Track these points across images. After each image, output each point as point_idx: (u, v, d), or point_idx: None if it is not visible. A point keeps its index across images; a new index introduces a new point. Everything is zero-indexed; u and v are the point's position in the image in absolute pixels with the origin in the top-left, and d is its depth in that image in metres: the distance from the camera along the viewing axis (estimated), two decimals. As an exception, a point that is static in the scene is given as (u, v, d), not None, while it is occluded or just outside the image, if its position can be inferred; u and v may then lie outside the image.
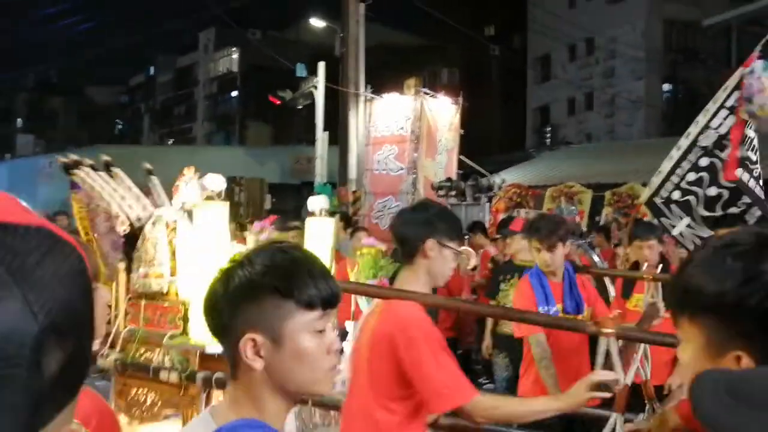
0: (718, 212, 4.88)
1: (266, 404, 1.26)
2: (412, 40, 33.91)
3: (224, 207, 3.14)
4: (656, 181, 5.21)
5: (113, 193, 3.52)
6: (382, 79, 15.56)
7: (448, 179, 11.24)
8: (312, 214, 3.72)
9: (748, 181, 4.78)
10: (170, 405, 3.20)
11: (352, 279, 3.65)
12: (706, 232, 4.89)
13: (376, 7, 14.24)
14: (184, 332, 3.18)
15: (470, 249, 6.28)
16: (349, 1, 13.77)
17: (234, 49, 43.08)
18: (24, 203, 0.57)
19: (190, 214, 3.21)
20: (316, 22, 19.66)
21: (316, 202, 3.78)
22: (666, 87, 27.91)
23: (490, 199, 10.86)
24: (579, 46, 29.13)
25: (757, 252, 1.08)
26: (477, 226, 8.42)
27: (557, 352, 3.84)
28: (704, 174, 4.96)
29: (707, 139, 4.98)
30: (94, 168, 3.54)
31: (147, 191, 3.64)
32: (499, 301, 5.67)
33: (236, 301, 1.24)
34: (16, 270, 0.51)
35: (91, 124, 50.23)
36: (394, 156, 11.40)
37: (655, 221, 5.20)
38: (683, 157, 5.08)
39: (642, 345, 2.37)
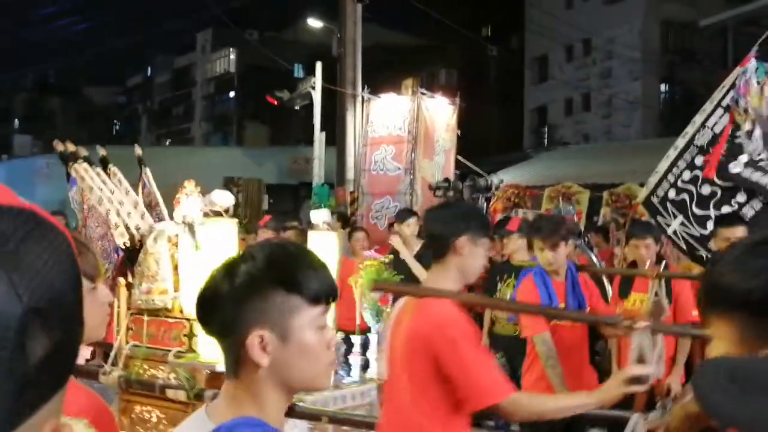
0: (711, 211, 4.89)
1: (267, 402, 1.25)
2: (409, 40, 33.89)
3: (232, 224, 3.12)
4: (653, 180, 5.23)
5: (111, 197, 3.49)
6: (379, 80, 15.56)
7: (446, 179, 11.23)
8: (315, 227, 3.67)
9: (751, 176, 4.78)
10: (176, 423, 3.16)
11: (356, 293, 3.63)
12: (699, 231, 4.91)
13: (373, 7, 14.25)
14: (190, 349, 3.15)
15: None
16: (346, 1, 13.77)
17: (231, 49, 43.04)
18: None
19: (191, 227, 3.19)
20: (314, 23, 19.66)
21: (319, 216, 3.73)
22: (663, 88, 27.94)
23: (487, 200, 10.85)
24: (576, 47, 29.14)
25: None
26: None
27: (560, 351, 3.89)
28: (699, 172, 4.98)
29: (703, 138, 5.00)
30: (89, 162, 3.51)
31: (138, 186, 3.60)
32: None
33: (242, 297, 1.23)
34: (0, 251, 0.50)
35: (88, 124, 50.11)
36: (391, 156, 11.39)
37: (653, 221, 5.21)
38: (679, 156, 5.11)
39: (660, 343, 2.37)
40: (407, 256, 6.04)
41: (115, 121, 56.90)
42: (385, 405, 2.52)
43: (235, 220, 3.23)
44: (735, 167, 4.80)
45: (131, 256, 3.38)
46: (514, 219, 6.53)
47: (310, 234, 3.70)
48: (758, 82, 4.80)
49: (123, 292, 3.46)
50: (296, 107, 17.04)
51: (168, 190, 4.47)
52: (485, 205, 10.79)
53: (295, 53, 26.01)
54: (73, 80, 57.30)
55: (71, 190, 3.74)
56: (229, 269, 1.26)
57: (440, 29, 22.04)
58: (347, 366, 3.59)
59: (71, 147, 3.79)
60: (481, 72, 30.74)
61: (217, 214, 3.15)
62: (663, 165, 5.20)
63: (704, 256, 4.97)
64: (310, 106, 15.42)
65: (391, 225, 8.16)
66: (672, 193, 5.09)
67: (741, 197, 4.85)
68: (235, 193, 17.47)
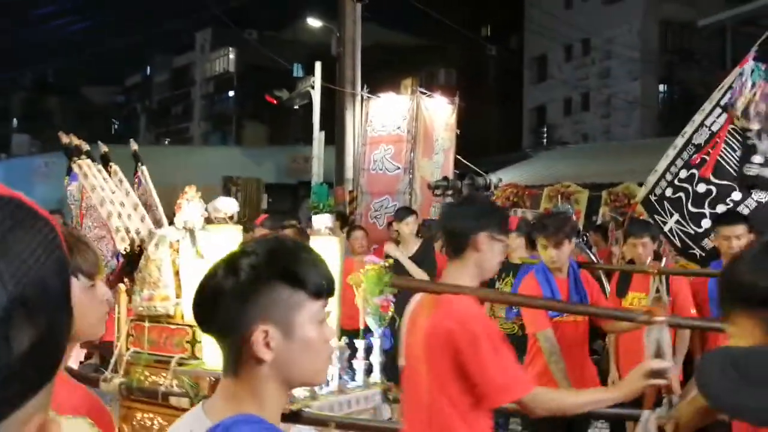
0: (706, 209, 4.91)
1: (267, 399, 1.24)
2: (408, 40, 33.90)
3: (237, 231, 3.10)
4: (652, 179, 5.25)
5: (113, 197, 3.47)
6: (378, 79, 15.57)
7: (445, 179, 11.21)
8: (317, 231, 3.64)
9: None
10: (178, 431, 3.13)
11: (358, 297, 3.61)
12: (694, 229, 4.93)
13: (372, 7, 14.24)
14: (193, 356, 3.13)
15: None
16: (345, 1, 13.76)
17: (231, 49, 43.02)
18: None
19: (192, 233, 3.17)
20: (313, 22, 19.65)
21: (321, 220, 3.70)
22: (662, 87, 27.96)
23: (486, 199, 10.86)
24: (575, 47, 29.16)
25: None
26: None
27: (562, 347, 3.93)
28: (695, 171, 5.00)
29: (701, 137, 5.02)
30: (90, 157, 3.49)
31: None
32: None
33: (246, 293, 1.21)
34: None
35: (87, 123, 50.07)
36: (390, 156, 11.39)
37: (651, 219, 5.23)
38: (678, 155, 5.13)
39: (666, 340, 2.38)
40: (403, 259, 6.06)
41: (113, 120, 56.84)
42: (405, 401, 2.52)
43: (240, 227, 3.21)
44: (750, 169, 4.82)
45: (131, 262, 3.35)
46: (513, 218, 6.54)
47: (312, 238, 3.68)
48: (753, 84, 4.81)
49: (123, 298, 3.43)
50: (295, 107, 17.04)
51: (167, 190, 4.47)
52: (484, 204, 10.79)
53: (294, 53, 26.01)
54: (72, 79, 57.32)
55: (71, 185, 3.71)
56: (231, 265, 1.24)
57: (440, 29, 22.04)
58: (351, 371, 3.58)
59: (76, 140, 3.75)
60: (480, 72, 30.75)
61: (222, 221, 3.13)
62: (662, 164, 5.22)
63: (697, 254, 4.99)
64: (309, 106, 15.42)
65: (390, 224, 8.17)
66: (669, 192, 5.11)
67: (736, 196, 4.88)
68: (234, 192, 17.47)
